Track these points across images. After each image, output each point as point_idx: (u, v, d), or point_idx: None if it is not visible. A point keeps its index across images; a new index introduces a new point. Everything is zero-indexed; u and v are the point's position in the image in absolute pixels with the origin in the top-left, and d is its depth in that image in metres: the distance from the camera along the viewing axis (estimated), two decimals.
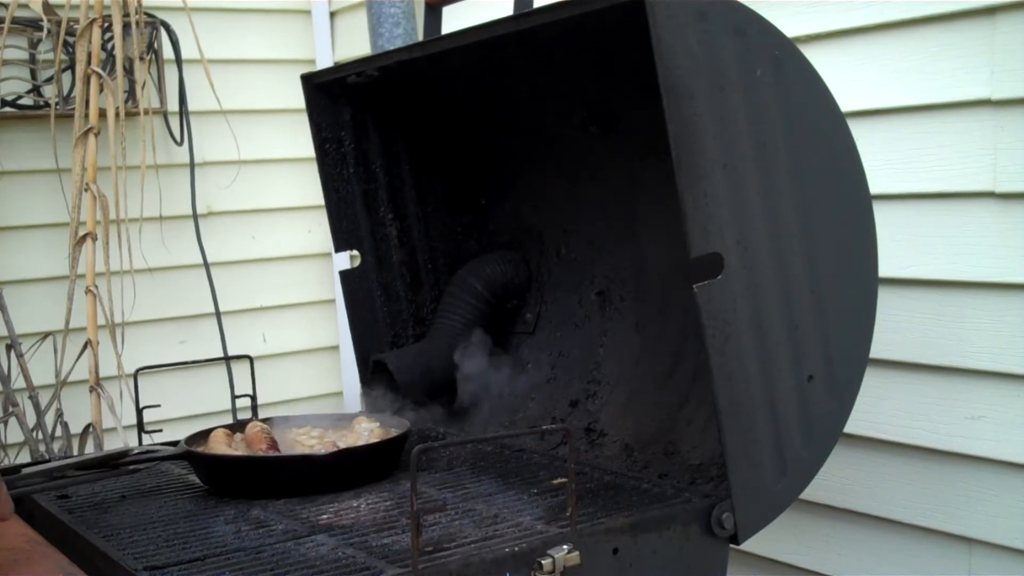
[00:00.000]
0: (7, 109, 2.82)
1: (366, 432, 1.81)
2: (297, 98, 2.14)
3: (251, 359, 2.08)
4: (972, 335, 1.86)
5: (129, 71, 2.86)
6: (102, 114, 2.78)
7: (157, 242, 3.00)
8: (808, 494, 1.60)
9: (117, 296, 2.90)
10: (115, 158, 2.91)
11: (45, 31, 2.75)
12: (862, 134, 1.62)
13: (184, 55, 2.96)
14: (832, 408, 1.54)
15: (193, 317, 3.12)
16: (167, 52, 2.96)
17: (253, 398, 2.05)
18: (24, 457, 2.79)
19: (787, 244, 1.46)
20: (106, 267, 2.88)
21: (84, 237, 2.87)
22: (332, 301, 3.27)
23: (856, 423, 1.89)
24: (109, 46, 2.82)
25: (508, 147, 2.18)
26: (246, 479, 1.66)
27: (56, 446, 2.81)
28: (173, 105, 2.99)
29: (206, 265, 3.05)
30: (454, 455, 1.82)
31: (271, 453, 1.72)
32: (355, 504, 1.55)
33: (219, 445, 1.76)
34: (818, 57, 1.57)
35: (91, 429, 2.86)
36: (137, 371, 1.97)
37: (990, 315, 1.83)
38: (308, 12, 3.32)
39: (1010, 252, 1.79)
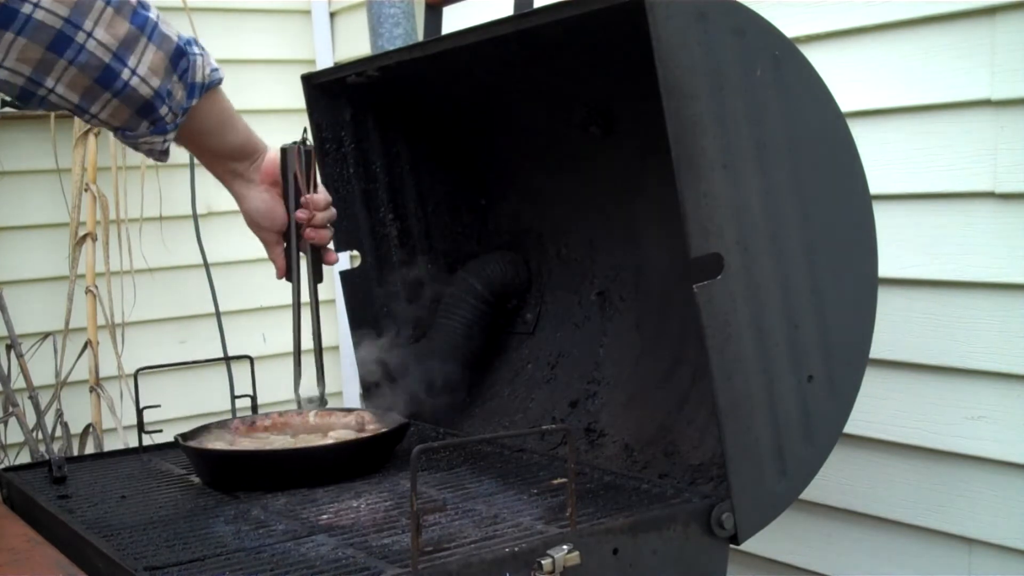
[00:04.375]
0: (7, 109, 2.82)
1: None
2: (297, 98, 2.14)
3: (251, 359, 2.08)
4: (972, 335, 1.86)
5: None
6: None
7: (157, 242, 3.00)
8: (808, 494, 1.60)
9: (117, 296, 2.91)
10: (115, 158, 2.91)
11: None
12: (862, 134, 1.62)
13: None
14: (832, 408, 1.54)
15: (193, 317, 3.13)
16: None
17: (253, 398, 2.05)
18: (24, 457, 2.79)
19: (787, 244, 1.46)
20: (106, 267, 2.89)
21: (84, 237, 2.87)
22: (332, 301, 3.28)
23: (856, 423, 1.89)
24: None
25: (508, 147, 2.18)
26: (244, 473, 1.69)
27: (56, 446, 2.81)
28: None
29: (206, 265, 3.06)
30: (454, 455, 1.82)
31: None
32: (355, 504, 1.55)
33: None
34: (818, 57, 1.57)
35: (91, 429, 2.87)
36: (137, 371, 1.97)
37: (990, 315, 1.83)
38: (308, 12, 3.32)
39: (1010, 252, 1.79)
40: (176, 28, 1.51)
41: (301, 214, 1.73)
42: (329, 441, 1.77)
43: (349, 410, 1.91)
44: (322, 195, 1.75)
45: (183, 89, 1.50)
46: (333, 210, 1.77)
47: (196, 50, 1.52)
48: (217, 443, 1.78)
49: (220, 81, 1.56)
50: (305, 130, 1.78)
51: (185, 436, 1.77)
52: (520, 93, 2.01)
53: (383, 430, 1.79)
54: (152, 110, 1.48)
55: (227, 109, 1.62)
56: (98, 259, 2.90)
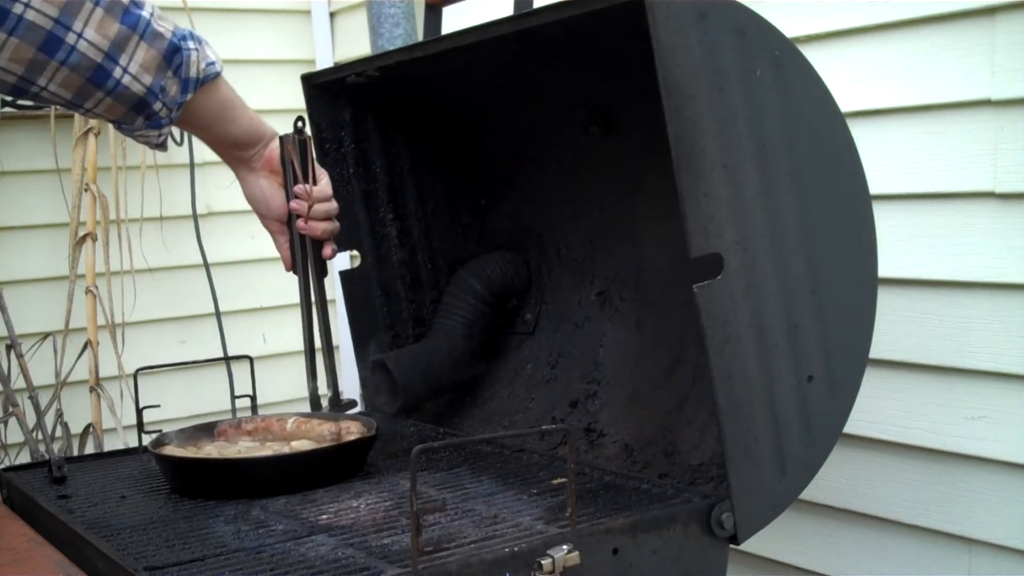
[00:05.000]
0: (7, 109, 2.82)
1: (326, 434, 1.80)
2: (297, 98, 2.14)
3: (251, 359, 2.08)
4: (972, 335, 1.86)
5: None
6: None
7: (157, 242, 3.00)
8: (808, 494, 1.61)
9: (117, 296, 2.91)
10: (115, 158, 2.91)
11: None
12: (862, 134, 1.62)
13: None
14: (832, 408, 1.54)
15: (193, 317, 3.13)
16: None
17: (253, 398, 2.05)
18: (24, 457, 2.79)
19: (787, 244, 1.46)
20: (106, 267, 2.89)
21: (84, 237, 2.87)
22: (332, 301, 3.27)
23: (856, 423, 1.89)
24: None
25: (508, 147, 2.18)
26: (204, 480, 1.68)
27: (56, 446, 2.81)
28: None
29: (206, 265, 3.05)
30: (454, 455, 1.82)
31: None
32: (355, 504, 1.55)
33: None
34: (818, 57, 1.57)
35: (91, 429, 2.87)
36: (137, 371, 1.97)
37: (990, 315, 1.83)
38: (308, 12, 3.32)
39: (1010, 252, 1.79)
40: (172, 22, 1.51)
41: (295, 204, 1.72)
42: (266, 453, 1.75)
43: (334, 417, 1.86)
44: (320, 187, 1.74)
45: (177, 85, 1.51)
46: (334, 203, 1.76)
47: (191, 45, 1.51)
48: (181, 449, 1.77)
49: (216, 75, 1.56)
50: (300, 119, 1.76)
51: (157, 442, 1.77)
52: (520, 93, 2.01)
53: (337, 443, 1.75)
54: (146, 106, 1.49)
55: (227, 100, 1.62)
56: (98, 259, 2.90)
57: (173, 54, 1.49)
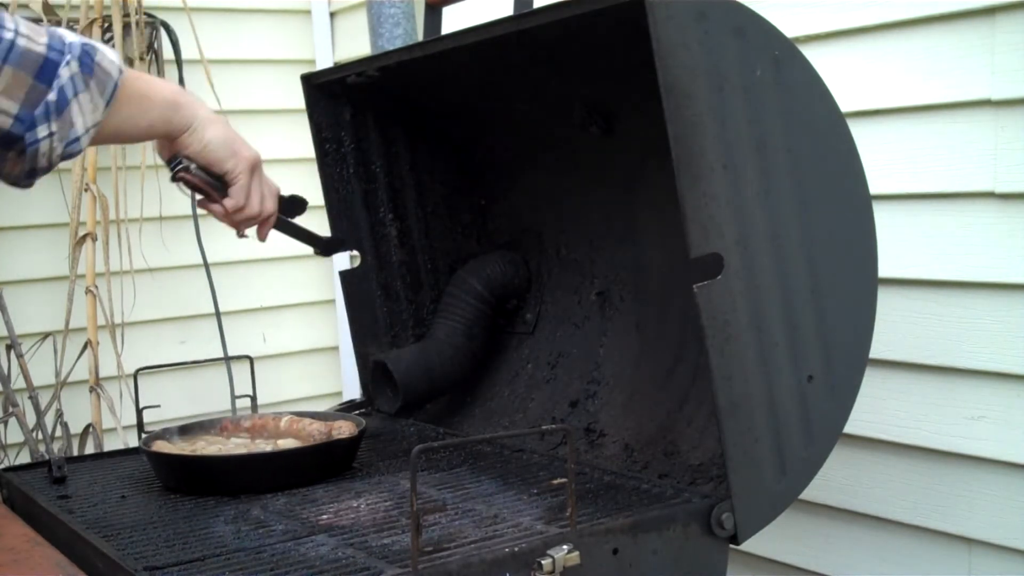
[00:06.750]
0: None
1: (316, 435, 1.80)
2: (297, 98, 2.14)
3: (251, 359, 2.08)
4: (972, 335, 1.86)
5: None
6: None
7: (157, 242, 3.00)
8: (808, 494, 1.61)
9: (117, 296, 2.90)
10: (115, 158, 2.91)
11: None
12: (862, 134, 1.62)
13: (184, 55, 2.96)
14: (832, 408, 1.54)
15: (193, 317, 3.12)
16: (167, 52, 2.96)
17: (253, 398, 2.05)
18: (24, 457, 2.79)
19: (787, 244, 1.46)
20: (106, 267, 2.88)
21: (84, 237, 2.87)
22: (332, 301, 3.27)
23: (856, 423, 1.89)
24: (109, 46, 2.82)
25: (508, 147, 2.18)
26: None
27: (56, 446, 2.81)
28: None
29: (206, 265, 3.05)
30: (454, 455, 1.82)
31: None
32: (355, 504, 1.55)
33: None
34: (818, 57, 1.57)
35: (91, 429, 2.87)
36: (137, 371, 1.97)
37: (990, 315, 1.83)
38: (308, 12, 3.32)
39: (1010, 252, 1.79)
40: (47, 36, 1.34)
41: (227, 221, 1.73)
42: (232, 451, 1.78)
43: (327, 417, 1.87)
44: (234, 195, 1.71)
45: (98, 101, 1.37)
46: (253, 207, 1.75)
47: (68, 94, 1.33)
48: (172, 445, 1.79)
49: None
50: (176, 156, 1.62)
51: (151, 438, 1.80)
52: (520, 93, 2.01)
53: (314, 443, 1.76)
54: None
55: (140, 88, 1.49)
56: (98, 259, 2.89)
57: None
